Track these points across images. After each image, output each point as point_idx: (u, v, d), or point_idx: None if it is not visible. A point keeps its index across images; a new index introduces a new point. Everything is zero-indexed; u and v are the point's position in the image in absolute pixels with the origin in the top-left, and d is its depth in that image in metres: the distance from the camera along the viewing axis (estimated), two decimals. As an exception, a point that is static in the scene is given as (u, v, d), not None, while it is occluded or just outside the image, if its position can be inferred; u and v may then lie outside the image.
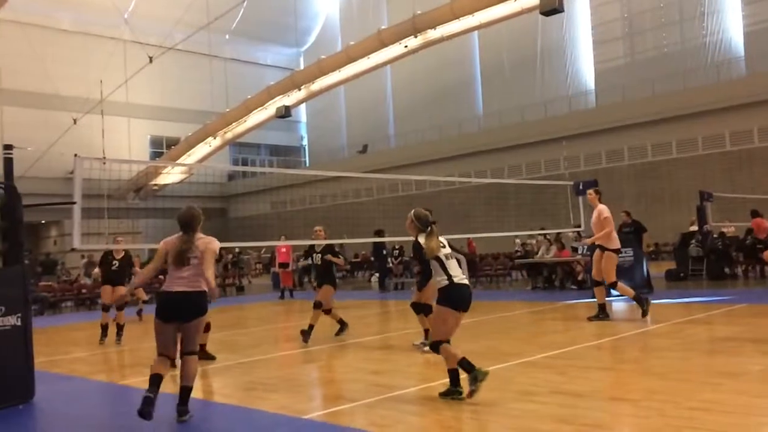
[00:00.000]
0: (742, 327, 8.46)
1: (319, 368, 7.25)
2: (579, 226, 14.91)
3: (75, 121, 33.94)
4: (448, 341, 5.48)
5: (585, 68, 35.19)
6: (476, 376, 5.22)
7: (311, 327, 9.18)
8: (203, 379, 6.93)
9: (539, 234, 18.17)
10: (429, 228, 5.64)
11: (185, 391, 5.21)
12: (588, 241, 9.94)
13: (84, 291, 20.61)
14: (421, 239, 5.62)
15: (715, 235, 16.40)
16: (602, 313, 9.70)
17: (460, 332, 9.26)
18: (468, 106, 39.12)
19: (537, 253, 17.82)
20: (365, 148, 42.22)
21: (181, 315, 5.25)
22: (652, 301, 11.88)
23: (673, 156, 28.70)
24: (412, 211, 5.75)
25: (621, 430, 4.50)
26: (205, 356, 7.95)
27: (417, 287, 5.80)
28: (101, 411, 5.88)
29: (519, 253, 20.18)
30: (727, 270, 15.98)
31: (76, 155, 7.99)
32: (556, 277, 16.70)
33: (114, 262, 10.64)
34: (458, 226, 17.17)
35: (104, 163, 8.89)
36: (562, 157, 29.26)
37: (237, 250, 29.31)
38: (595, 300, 9.87)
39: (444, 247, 5.67)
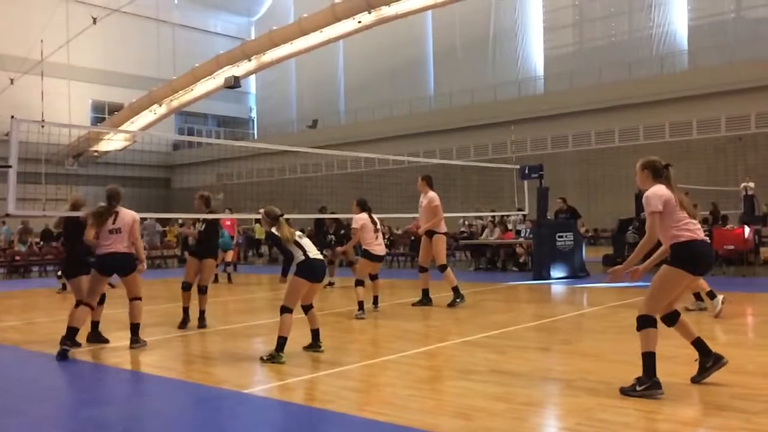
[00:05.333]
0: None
1: (260, 343, 7.22)
2: (522, 209, 15.18)
3: (12, 81, 32.56)
4: (291, 311, 6.16)
5: (535, 54, 35.61)
6: (273, 357, 6.01)
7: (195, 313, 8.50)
8: (141, 351, 6.82)
9: (490, 216, 18.43)
10: (278, 220, 6.29)
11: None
12: (421, 230, 9.89)
13: (18, 258, 19.90)
14: (274, 230, 6.25)
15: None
16: (458, 295, 9.64)
17: (404, 311, 9.40)
18: (419, 85, 39.16)
19: (481, 235, 18.12)
20: (315, 123, 41.83)
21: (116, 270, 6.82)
22: (588, 285, 12.29)
23: (615, 144, 29.48)
24: (262, 209, 6.38)
25: (554, 409, 4.65)
26: (98, 338, 7.26)
27: (282, 273, 6.30)
28: (33, 379, 5.73)
29: (464, 234, 20.44)
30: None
31: (12, 117, 7.70)
32: (499, 259, 17.04)
33: None
34: (405, 205, 17.19)
35: (42, 126, 8.56)
36: (510, 141, 29.65)
37: (180, 221, 28.69)
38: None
39: (295, 231, 6.42)
